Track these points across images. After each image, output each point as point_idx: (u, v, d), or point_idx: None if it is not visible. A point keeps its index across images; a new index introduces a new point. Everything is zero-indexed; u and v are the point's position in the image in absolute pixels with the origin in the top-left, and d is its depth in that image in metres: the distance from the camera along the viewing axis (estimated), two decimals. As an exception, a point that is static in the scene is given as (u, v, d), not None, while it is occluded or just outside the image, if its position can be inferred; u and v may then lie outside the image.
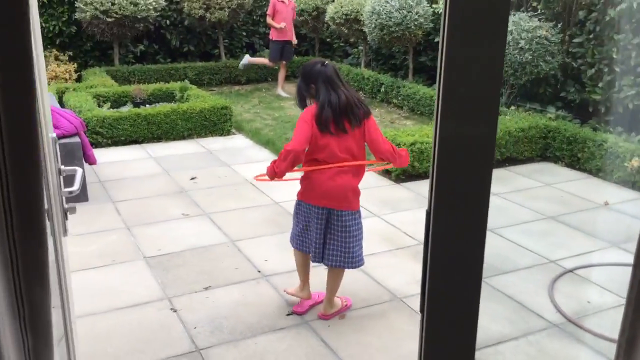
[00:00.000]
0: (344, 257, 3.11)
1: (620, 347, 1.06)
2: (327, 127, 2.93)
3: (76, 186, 1.39)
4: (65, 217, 1.41)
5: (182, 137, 6.59)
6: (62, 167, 1.39)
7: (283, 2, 8.32)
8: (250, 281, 3.57)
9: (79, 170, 1.45)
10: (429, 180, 1.08)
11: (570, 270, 3.83)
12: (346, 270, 3.60)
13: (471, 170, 1.08)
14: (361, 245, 3.18)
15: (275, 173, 3.02)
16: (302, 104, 3.12)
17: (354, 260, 3.12)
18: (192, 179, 5.34)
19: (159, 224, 4.38)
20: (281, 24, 8.22)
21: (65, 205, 1.40)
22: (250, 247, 4.02)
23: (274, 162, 3.03)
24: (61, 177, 1.38)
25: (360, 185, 5.20)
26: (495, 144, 1.12)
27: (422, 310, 1.19)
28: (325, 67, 3.01)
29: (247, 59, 8.89)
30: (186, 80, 7.89)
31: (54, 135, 1.33)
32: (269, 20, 8.37)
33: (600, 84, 6.27)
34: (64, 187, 1.37)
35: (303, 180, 3.13)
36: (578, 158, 5.79)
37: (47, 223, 1.40)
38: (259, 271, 3.70)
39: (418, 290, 3.52)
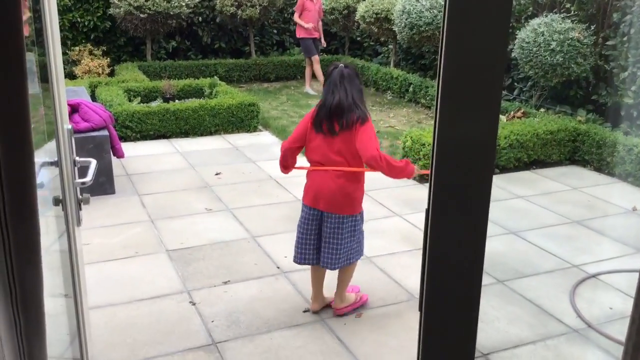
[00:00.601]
0: (329, 258, 3.06)
1: (626, 354, 1.05)
2: (320, 126, 2.97)
3: (89, 177, 1.43)
4: (79, 207, 1.45)
5: (209, 133, 6.68)
6: (77, 158, 1.44)
7: (311, 0, 8.35)
8: (269, 277, 3.61)
9: (93, 162, 1.50)
10: (429, 178, 1.09)
11: (593, 276, 3.77)
12: (365, 268, 3.60)
13: (470, 169, 1.08)
14: (350, 249, 3.11)
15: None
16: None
17: (335, 261, 3.06)
18: (216, 174, 5.41)
19: (182, 217, 4.45)
20: (308, 24, 8.25)
21: (80, 196, 1.45)
22: (270, 243, 4.05)
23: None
24: (75, 168, 1.42)
25: (383, 185, 5.23)
26: (496, 143, 1.12)
27: (420, 309, 1.19)
28: (335, 69, 3.03)
29: (308, 89, 8.84)
30: (215, 77, 7.98)
31: (70, 127, 1.38)
32: (296, 17, 8.40)
33: (633, 88, 6.12)
34: (77, 178, 1.41)
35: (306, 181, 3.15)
36: (607, 162, 5.67)
37: (61, 212, 1.45)
38: (278, 267, 3.73)
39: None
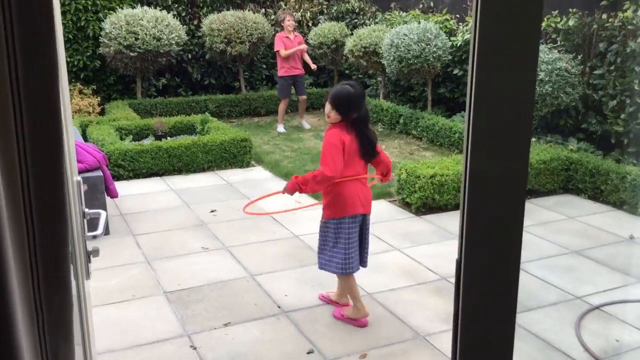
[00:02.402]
0: (367, 256, 3.58)
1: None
2: (366, 155, 3.35)
3: (100, 230, 1.40)
4: (88, 260, 1.41)
5: (202, 170, 6.64)
6: (86, 210, 1.40)
7: (288, 37, 8.40)
8: (270, 317, 3.54)
9: (103, 214, 1.46)
10: (459, 226, 1.06)
11: (597, 307, 3.74)
12: (367, 305, 3.58)
13: (503, 211, 1.06)
14: None
15: (299, 190, 3.36)
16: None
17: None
18: (211, 211, 5.35)
19: (179, 257, 4.38)
20: (293, 49, 8.33)
21: (89, 249, 1.40)
22: (269, 282, 3.99)
23: (301, 181, 3.31)
24: (85, 221, 1.38)
25: (379, 218, 5.19)
26: (527, 183, 1.10)
27: (454, 354, 1.15)
28: (356, 93, 3.31)
29: (281, 128, 8.71)
30: (207, 113, 7.98)
31: (79, 178, 1.34)
32: (283, 53, 8.37)
33: (622, 116, 6.20)
34: (87, 231, 1.38)
35: (333, 199, 3.33)
36: (601, 190, 5.70)
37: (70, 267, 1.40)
38: (279, 307, 3.67)
39: (441, 327, 3.47)
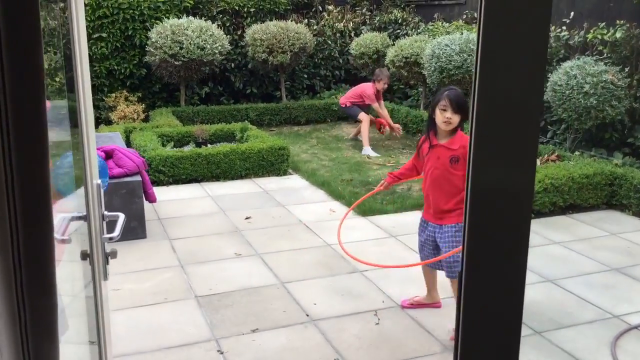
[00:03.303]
0: None
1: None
2: None
3: (117, 232, 1.44)
4: (106, 261, 1.45)
5: (240, 177, 6.73)
6: (105, 212, 1.45)
7: (379, 92, 8.18)
8: (298, 325, 3.55)
9: (121, 216, 1.51)
10: (463, 237, 1.05)
11: (636, 327, 3.60)
12: (396, 316, 3.56)
13: (507, 224, 1.04)
14: None
15: None
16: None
17: None
18: (246, 218, 5.42)
19: (212, 263, 4.45)
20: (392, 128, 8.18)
21: (107, 250, 1.45)
22: (299, 290, 4.01)
23: None
24: (104, 223, 1.43)
25: (413, 230, 5.14)
26: (533, 196, 1.08)
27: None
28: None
29: (367, 150, 7.97)
30: (246, 121, 8.10)
31: (99, 181, 1.39)
32: (381, 105, 8.14)
33: (671, 130, 5.98)
34: (105, 233, 1.42)
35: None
36: (647, 207, 5.50)
37: (88, 267, 1.45)
38: (307, 315, 3.67)
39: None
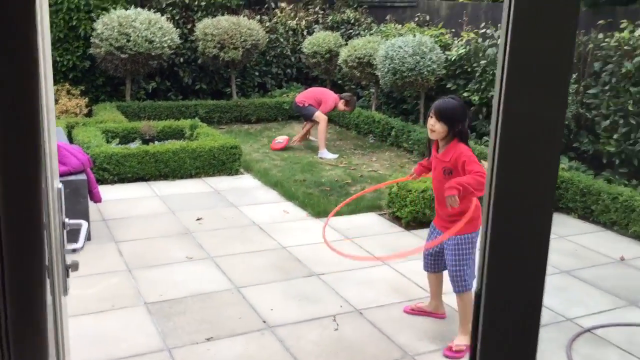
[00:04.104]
0: None
1: None
2: None
3: (80, 243, 1.29)
4: (66, 274, 1.30)
5: (190, 176, 6.52)
6: (67, 220, 1.30)
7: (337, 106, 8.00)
8: (255, 332, 3.42)
9: (85, 225, 1.36)
10: (481, 255, 0.97)
11: (588, 330, 3.67)
12: (355, 322, 3.49)
13: (527, 241, 0.97)
14: None
15: (458, 191, 3.11)
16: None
17: None
18: (197, 219, 5.24)
19: (161, 267, 4.25)
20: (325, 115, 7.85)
21: (68, 262, 1.30)
22: (255, 295, 3.88)
23: (470, 184, 3.11)
24: (64, 232, 1.28)
25: (369, 231, 5.11)
26: (552, 213, 1.01)
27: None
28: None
29: (324, 154, 7.70)
30: (196, 118, 7.87)
31: (60, 185, 1.24)
32: (322, 117, 7.77)
33: (615, 136, 6.18)
34: (66, 243, 1.27)
35: (476, 211, 3.24)
36: (592, 210, 5.65)
37: (47, 280, 1.29)
38: (264, 321, 3.55)
39: (429, 347, 3.38)
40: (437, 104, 3.27)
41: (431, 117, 3.27)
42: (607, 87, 6.26)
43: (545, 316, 3.83)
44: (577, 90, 6.54)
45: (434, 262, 3.55)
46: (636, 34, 6.01)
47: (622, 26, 6.23)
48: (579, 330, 3.65)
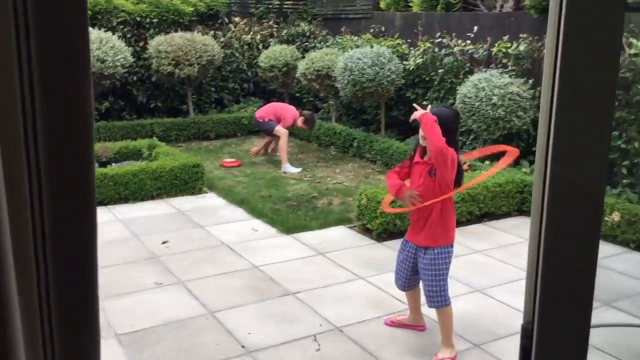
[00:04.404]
0: None
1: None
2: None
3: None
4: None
5: (151, 197, 6.32)
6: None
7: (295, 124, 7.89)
8: (234, 359, 3.29)
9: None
10: (529, 282, 0.91)
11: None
12: (336, 340, 3.40)
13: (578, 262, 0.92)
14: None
15: (430, 128, 3.08)
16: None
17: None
18: (163, 243, 5.06)
19: (130, 295, 4.07)
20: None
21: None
22: (231, 319, 3.75)
23: (438, 137, 3.07)
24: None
25: (340, 245, 5.05)
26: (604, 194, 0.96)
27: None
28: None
29: (287, 168, 7.56)
30: (154, 138, 7.66)
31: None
32: (283, 131, 7.68)
33: (573, 138, 6.32)
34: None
35: (451, 222, 3.35)
36: (556, 212, 5.75)
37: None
38: (243, 346, 3.43)
39: (417, 364, 3.33)
40: (434, 111, 3.22)
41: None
42: (563, 91, 6.40)
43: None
44: (534, 95, 6.67)
45: (408, 280, 3.49)
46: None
47: (573, 31, 6.40)
48: (558, 334, 3.66)
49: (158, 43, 8.98)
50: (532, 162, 6.70)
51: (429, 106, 3.28)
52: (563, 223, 0.86)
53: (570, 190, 0.86)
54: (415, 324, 3.67)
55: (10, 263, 0.59)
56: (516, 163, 6.80)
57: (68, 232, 0.69)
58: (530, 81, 6.74)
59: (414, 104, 3.34)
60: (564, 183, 0.85)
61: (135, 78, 9.42)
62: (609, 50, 0.82)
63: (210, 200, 6.38)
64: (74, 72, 0.67)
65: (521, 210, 6.08)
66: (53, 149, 0.67)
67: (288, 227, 5.40)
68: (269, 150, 8.23)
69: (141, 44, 9.51)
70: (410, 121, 3.21)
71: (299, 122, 7.78)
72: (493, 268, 4.74)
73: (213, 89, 10.24)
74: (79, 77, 0.67)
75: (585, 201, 0.86)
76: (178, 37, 9.02)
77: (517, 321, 3.81)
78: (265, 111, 7.89)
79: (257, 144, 8.90)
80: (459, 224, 5.56)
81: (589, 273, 0.88)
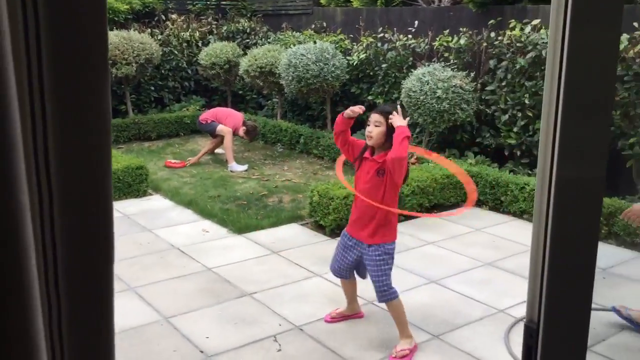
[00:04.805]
0: None
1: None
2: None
3: None
4: None
5: (94, 202, 6.06)
6: None
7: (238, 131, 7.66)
8: (194, 365, 3.20)
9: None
10: (532, 282, 0.88)
11: (521, 319, 3.78)
12: (297, 339, 3.36)
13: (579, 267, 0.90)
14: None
15: (403, 138, 3.09)
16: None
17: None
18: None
19: (78, 304, 3.88)
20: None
21: None
22: (187, 323, 3.63)
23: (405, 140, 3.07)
24: None
25: (294, 242, 5.00)
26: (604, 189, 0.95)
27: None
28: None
29: (234, 167, 7.41)
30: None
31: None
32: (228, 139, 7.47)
33: (514, 129, 6.51)
34: None
35: (394, 220, 3.33)
36: (501, 201, 5.90)
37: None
38: (202, 351, 3.33)
39: (376, 356, 3.32)
40: (381, 109, 3.24)
41: (369, 124, 3.22)
42: (503, 83, 6.58)
43: (479, 310, 3.90)
44: (476, 87, 6.82)
45: (348, 271, 3.50)
46: (526, 31, 6.37)
47: (511, 25, 6.58)
48: (513, 321, 3.75)
49: (93, 41, 8.64)
50: (476, 154, 6.86)
51: (399, 107, 3.26)
52: (569, 224, 0.85)
53: (577, 191, 0.85)
54: (354, 313, 3.72)
55: (33, 263, 0.52)
56: (461, 154, 6.95)
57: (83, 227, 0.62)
58: (472, 74, 6.89)
59: (398, 106, 3.30)
60: (570, 184, 0.84)
61: (69, 78, 9.03)
62: (611, 47, 0.81)
63: (156, 202, 6.19)
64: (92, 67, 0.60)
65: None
66: (68, 141, 0.61)
67: (239, 227, 5.31)
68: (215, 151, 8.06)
69: (75, 42, 9.12)
70: (388, 121, 3.15)
71: (240, 131, 7.55)
72: (446, 259, 4.81)
73: (152, 88, 9.96)
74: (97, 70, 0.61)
75: (588, 201, 0.85)
76: (114, 36, 8.71)
77: (473, 311, 3.88)
78: (208, 114, 7.74)
79: (200, 142, 8.72)
80: (410, 216, 5.64)
81: (590, 273, 0.88)
